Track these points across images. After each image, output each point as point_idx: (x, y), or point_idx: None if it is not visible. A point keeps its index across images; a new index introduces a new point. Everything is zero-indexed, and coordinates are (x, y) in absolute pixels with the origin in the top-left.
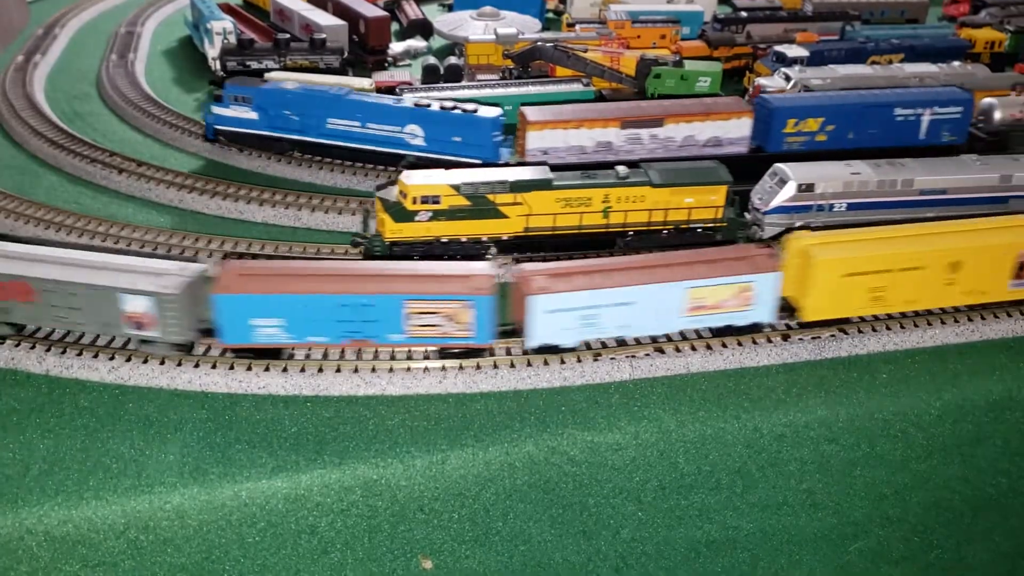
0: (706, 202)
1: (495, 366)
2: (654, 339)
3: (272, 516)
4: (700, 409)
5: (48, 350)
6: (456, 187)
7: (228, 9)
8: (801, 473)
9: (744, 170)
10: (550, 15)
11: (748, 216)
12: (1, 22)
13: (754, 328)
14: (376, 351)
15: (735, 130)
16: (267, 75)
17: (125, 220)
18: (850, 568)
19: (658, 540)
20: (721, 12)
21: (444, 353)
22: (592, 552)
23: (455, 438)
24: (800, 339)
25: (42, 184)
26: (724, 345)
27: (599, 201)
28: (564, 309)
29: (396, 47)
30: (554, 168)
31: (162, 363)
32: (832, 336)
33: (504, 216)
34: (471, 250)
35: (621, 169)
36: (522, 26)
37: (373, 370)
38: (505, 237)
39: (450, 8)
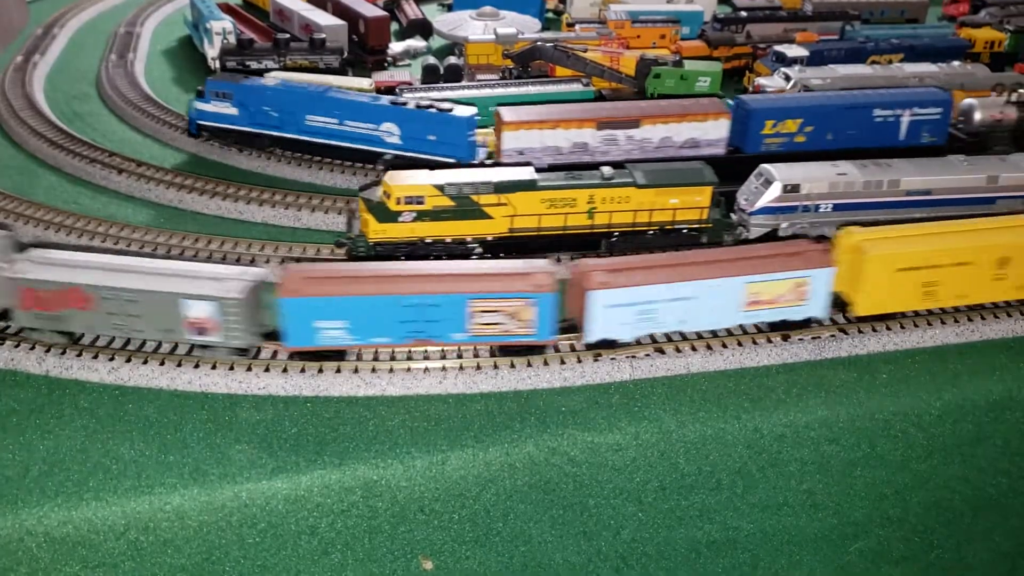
0: (691, 203)
1: (495, 367)
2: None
3: (272, 517)
4: (700, 409)
5: (48, 351)
6: (440, 188)
7: (228, 9)
8: (801, 473)
9: (722, 171)
10: (550, 15)
11: (734, 217)
12: (1, 22)
13: (808, 323)
14: (376, 351)
15: (712, 131)
16: (267, 75)
17: (125, 220)
18: (850, 568)
19: (659, 541)
20: (721, 12)
21: (504, 350)
22: (592, 553)
23: (455, 439)
24: (800, 339)
25: (41, 184)
26: (724, 345)
27: (584, 202)
28: (623, 304)
29: (396, 47)
30: (538, 169)
31: (162, 364)
32: (832, 336)
33: (488, 217)
34: (455, 251)
35: (606, 170)
36: (522, 26)
37: (373, 371)
38: (490, 238)
39: (450, 8)
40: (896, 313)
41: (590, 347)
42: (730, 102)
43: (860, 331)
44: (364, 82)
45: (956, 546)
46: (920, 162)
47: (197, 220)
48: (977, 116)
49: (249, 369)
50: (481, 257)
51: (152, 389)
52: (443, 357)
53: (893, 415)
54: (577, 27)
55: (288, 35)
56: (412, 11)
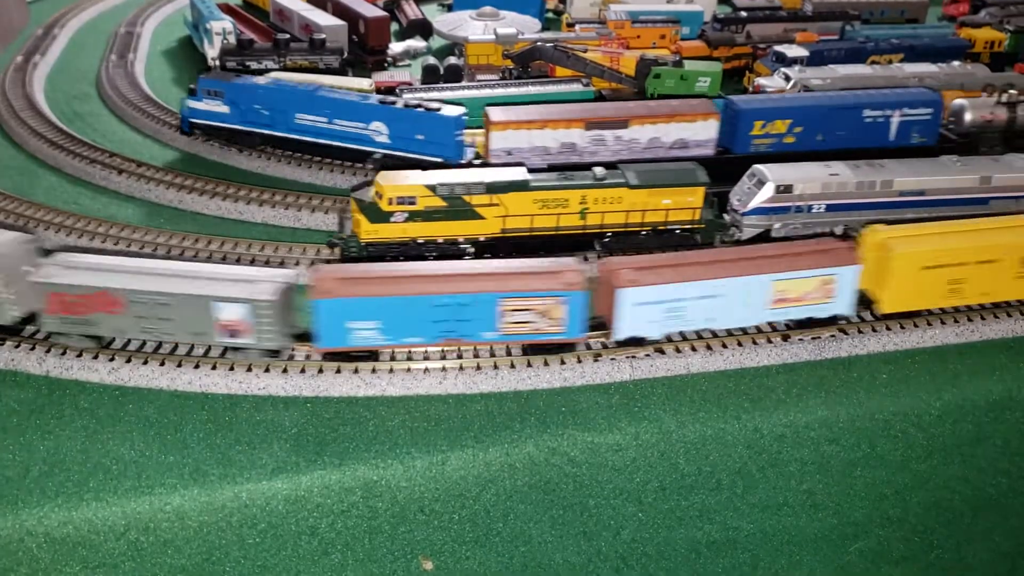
0: (683, 203)
1: (495, 367)
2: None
3: (272, 517)
4: (700, 409)
5: (48, 351)
6: (432, 188)
7: (228, 9)
8: (801, 473)
9: (711, 172)
10: (550, 15)
11: (727, 217)
12: (1, 22)
13: (833, 320)
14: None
15: (701, 132)
16: (267, 75)
17: (125, 220)
18: (850, 568)
19: (659, 541)
20: (721, 12)
21: (533, 349)
22: (593, 553)
23: (455, 439)
24: (800, 339)
25: (41, 184)
26: (724, 345)
27: (576, 202)
28: (652, 302)
29: (396, 47)
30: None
31: (162, 364)
32: (832, 336)
33: (481, 217)
34: (447, 251)
35: (598, 170)
36: (522, 26)
37: (373, 371)
38: (482, 238)
39: (450, 8)
40: (910, 312)
41: (618, 344)
42: (719, 102)
43: (860, 331)
44: (364, 82)
45: (956, 546)
46: (913, 163)
47: (197, 220)
48: (968, 117)
49: (249, 370)
50: (482, 257)
51: (152, 389)
52: (443, 357)
53: (893, 415)
54: (577, 27)
55: (288, 35)
56: (412, 11)
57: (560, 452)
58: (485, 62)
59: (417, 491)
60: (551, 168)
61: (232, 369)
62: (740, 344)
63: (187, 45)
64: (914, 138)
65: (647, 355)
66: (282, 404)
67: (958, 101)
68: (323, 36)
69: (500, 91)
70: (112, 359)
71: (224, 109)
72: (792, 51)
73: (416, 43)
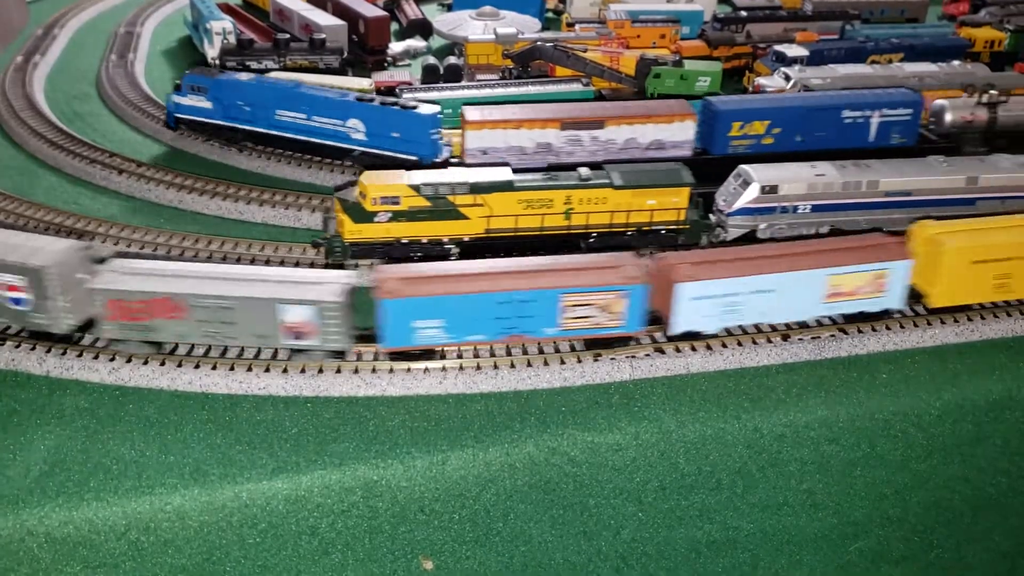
0: (668, 204)
1: (495, 367)
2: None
3: (273, 517)
4: (700, 409)
5: (48, 351)
6: (416, 188)
7: (228, 9)
8: (801, 473)
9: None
10: (550, 15)
11: (713, 218)
12: (1, 22)
13: (885, 314)
14: (376, 352)
15: (678, 133)
16: (267, 75)
17: (125, 221)
18: (851, 568)
19: (659, 540)
20: (721, 11)
21: (592, 343)
22: (593, 552)
23: (455, 439)
24: (800, 339)
25: (41, 184)
26: (724, 345)
27: (561, 203)
28: (709, 296)
29: (395, 47)
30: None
31: (163, 364)
32: (832, 336)
33: (465, 217)
34: (431, 252)
35: (583, 171)
36: (522, 26)
37: (373, 371)
38: (466, 238)
39: (449, 8)
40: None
41: (672, 339)
42: (697, 103)
43: (860, 331)
44: (364, 82)
45: (956, 546)
46: (899, 163)
47: (197, 220)
48: (948, 117)
49: (249, 369)
50: (461, 257)
51: (153, 389)
52: (443, 357)
53: (893, 415)
54: (577, 27)
55: (288, 35)
56: (412, 11)
57: (560, 452)
58: (485, 62)
59: (417, 491)
60: (525, 170)
61: (232, 369)
62: (740, 344)
63: (187, 45)
64: (894, 139)
65: (647, 355)
66: (282, 404)
67: (938, 102)
68: (323, 36)
69: (500, 91)
70: (112, 359)
71: (207, 105)
72: (792, 51)
73: (416, 43)
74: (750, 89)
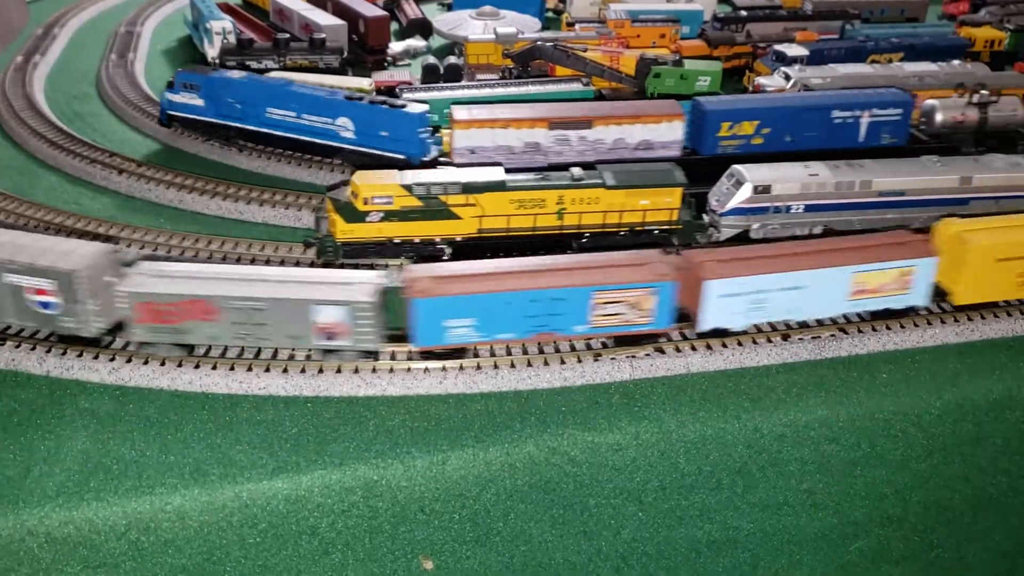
0: (661, 204)
1: (495, 367)
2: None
3: (273, 517)
4: (700, 409)
5: (48, 351)
6: (408, 188)
7: (228, 9)
8: (802, 473)
9: None
10: (550, 14)
11: (706, 218)
12: (1, 22)
13: (910, 311)
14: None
15: (667, 133)
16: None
17: (125, 221)
18: (851, 568)
19: (659, 540)
20: (721, 11)
21: (621, 341)
22: (593, 552)
23: (456, 439)
24: (800, 339)
25: (42, 184)
26: (724, 345)
27: (553, 203)
28: (738, 293)
29: (395, 47)
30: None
31: (162, 364)
32: (832, 336)
33: (457, 217)
34: (423, 251)
35: (575, 171)
36: (522, 25)
37: (373, 371)
38: (459, 238)
39: (449, 7)
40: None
41: (701, 336)
42: (686, 104)
43: (860, 331)
44: (364, 82)
45: (956, 545)
46: (893, 163)
47: (197, 220)
48: (939, 117)
49: (249, 369)
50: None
51: (153, 389)
52: (443, 357)
53: (893, 415)
54: (577, 26)
55: (288, 35)
56: (412, 11)
57: (560, 452)
58: (485, 61)
59: (417, 491)
60: (518, 170)
61: (232, 369)
62: (740, 344)
63: (187, 45)
64: (884, 139)
65: (647, 355)
66: (282, 404)
67: (929, 102)
68: (323, 36)
69: (500, 90)
70: (112, 359)
71: (199, 102)
72: (792, 50)
73: (416, 42)
74: (750, 89)
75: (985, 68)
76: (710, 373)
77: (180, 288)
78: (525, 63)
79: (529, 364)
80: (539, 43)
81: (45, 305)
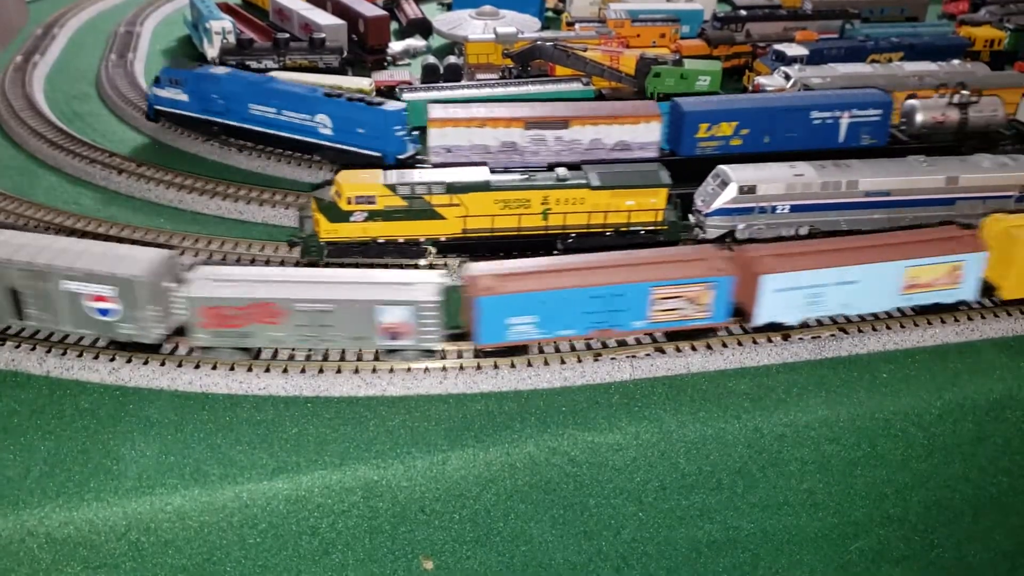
0: (646, 205)
1: (495, 367)
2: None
3: (273, 517)
4: (700, 409)
5: (48, 351)
6: (392, 187)
7: (227, 9)
8: (802, 473)
9: None
10: (549, 14)
11: (691, 218)
12: (1, 22)
13: (959, 306)
14: (376, 352)
15: (644, 134)
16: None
17: (125, 221)
18: (851, 567)
19: (659, 540)
20: (721, 10)
21: (673, 335)
22: (593, 552)
23: (456, 439)
24: (800, 339)
25: (41, 184)
26: (724, 345)
27: (538, 203)
28: (793, 288)
29: (395, 46)
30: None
31: (163, 364)
32: (832, 336)
33: (441, 217)
34: (407, 251)
35: (560, 171)
36: (521, 25)
37: (374, 371)
38: (443, 238)
39: (449, 7)
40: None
41: (757, 330)
42: (664, 105)
43: (860, 331)
44: (364, 82)
45: (956, 545)
46: (879, 163)
47: (197, 220)
48: (919, 118)
49: (250, 369)
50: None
51: (153, 390)
52: (443, 357)
53: (893, 414)
54: (577, 26)
55: (288, 35)
56: (412, 10)
57: (560, 452)
58: (485, 61)
59: (418, 491)
60: (504, 170)
61: (232, 369)
62: (740, 344)
63: (187, 45)
64: (864, 139)
65: (647, 355)
66: (283, 404)
67: (909, 102)
68: (323, 35)
69: (500, 90)
70: (112, 359)
71: (184, 97)
72: (792, 50)
73: (416, 42)
74: (750, 88)
75: (985, 68)
76: (710, 373)
77: (246, 292)
78: (525, 63)
79: (529, 364)
80: (539, 43)
81: (104, 312)
